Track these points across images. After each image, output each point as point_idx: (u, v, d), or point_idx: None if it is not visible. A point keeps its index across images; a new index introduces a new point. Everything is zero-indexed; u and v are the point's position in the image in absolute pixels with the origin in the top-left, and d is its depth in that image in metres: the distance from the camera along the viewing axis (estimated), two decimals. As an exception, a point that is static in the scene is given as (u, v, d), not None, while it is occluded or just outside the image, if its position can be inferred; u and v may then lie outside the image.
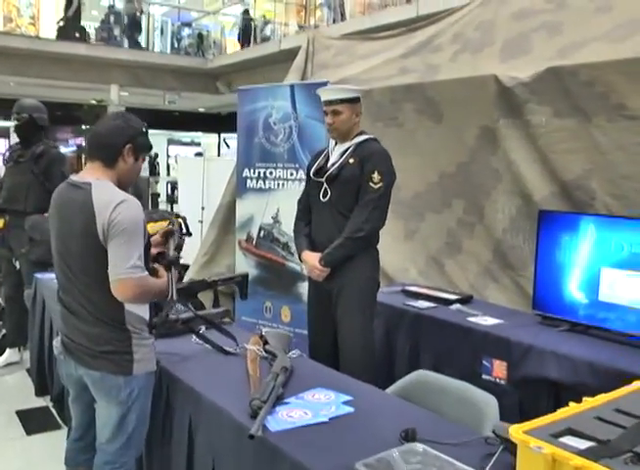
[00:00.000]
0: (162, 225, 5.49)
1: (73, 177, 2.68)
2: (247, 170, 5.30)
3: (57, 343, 2.79)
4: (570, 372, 3.10)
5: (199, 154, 18.33)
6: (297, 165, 4.98)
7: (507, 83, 4.45)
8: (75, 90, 19.70)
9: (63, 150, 5.76)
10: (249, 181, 5.29)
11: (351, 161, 3.63)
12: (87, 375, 2.61)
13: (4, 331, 5.77)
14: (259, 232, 5.25)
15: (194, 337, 3.11)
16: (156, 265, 2.75)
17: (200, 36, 19.97)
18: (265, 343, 2.95)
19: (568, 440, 1.44)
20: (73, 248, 2.55)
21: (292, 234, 4.89)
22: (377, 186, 3.54)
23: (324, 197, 3.68)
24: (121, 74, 18.14)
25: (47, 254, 5.09)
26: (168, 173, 24.21)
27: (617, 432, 1.48)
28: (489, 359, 3.47)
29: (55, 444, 4.12)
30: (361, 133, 3.73)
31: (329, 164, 3.71)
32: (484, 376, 3.47)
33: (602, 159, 4.00)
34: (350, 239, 3.55)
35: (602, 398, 1.70)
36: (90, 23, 18.54)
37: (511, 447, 1.71)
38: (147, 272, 2.52)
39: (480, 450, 1.96)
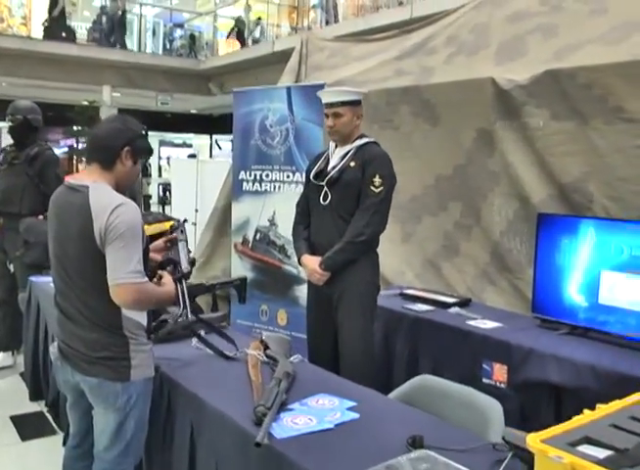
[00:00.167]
0: (158, 228, 5.48)
1: (71, 180, 2.64)
2: (243, 173, 5.28)
3: (53, 348, 2.76)
4: (571, 376, 3.09)
5: (192, 155, 18.24)
6: (293, 168, 4.96)
7: (504, 86, 4.44)
8: (67, 91, 19.62)
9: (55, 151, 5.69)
10: (245, 184, 5.26)
11: (352, 164, 3.60)
12: (84, 381, 2.58)
13: (-3, 334, 5.72)
14: (255, 235, 5.23)
15: (193, 341, 3.09)
16: (160, 272, 2.73)
17: (192, 37, 19.93)
18: (266, 347, 2.93)
19: (585, 448, 1.42)
20: (70, 251, 2.52)
21: (288, 237, 4.89)
22: (378, 190, 3.52)
23: (324, 200, 3.66)
24: (113, 75, 18.09)
25: (42, 257, 5.13)
26: (160, 175, 24.15)
27: (634, 440, 1.46)
28: (489, 363, 3.45)
29: (51, 449, 4.09)
30: (362, 136, 3.71)
31: (329, 168, 3.69)
32: (485, 380, 3.46)
33: (600, 161, 3.99)
34: (351, 243, 3.53)
35: (615, 404, 1.68)
36: (82, 24, 18.48)
37: (522, 455, 1.69)
38: (146, 278, 2.49)
39: (488, 457, 1.94)
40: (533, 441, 1.42)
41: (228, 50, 18.95)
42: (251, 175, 5.22)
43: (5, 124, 5.54)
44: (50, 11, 16.55)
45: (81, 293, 2.53)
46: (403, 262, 5.01)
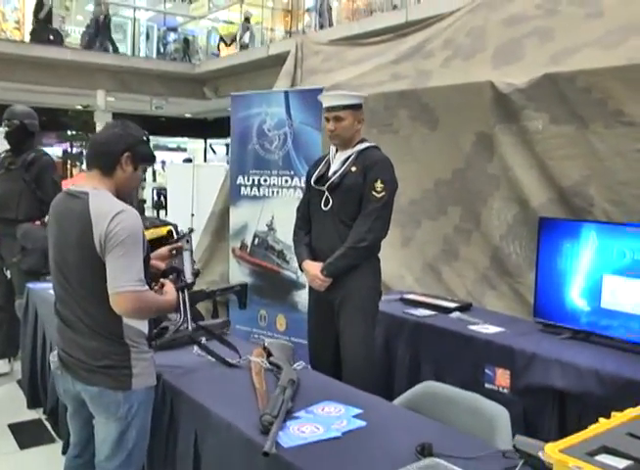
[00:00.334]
0: (155, 233, 5.46)
1: (71, 187, 2.61)
2: (241, 178, 5.26)
3: (53, 357, 2.72)
4: (575, 381, 3.07)
5: (188, 160, 18.21)
6: (291, 173, 4.94)
7: (503, 90, 4.44)
8: (62, 95, 19.58)
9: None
10: (243, 188, 5.24)
11: (353, 169, 3.58)
12: (85, 391, 2.55)
13: (-6, 341, 5.69)
14: (254, 240, 5.20)
15: (195, 348, 3.06)
16: (162, 280, 2.70)
17: (186, 41, 19.90)
18: (269, 354, 2.90)
19: (604, 458, 1.41)
20: (70, 258, 2.50)
21: (287, 242, 4.88)
22: (380, 195, 3.50)
23: (325, 205, 3.64)
24: (107, 80, 18.03)
25: (39, 263, 5.11)
26: (154, 179, 24.11)
27: (651, 449, 1.45)
28: (492, 368, 3.44)
29: (50, 458, 4.06)
30: (363, 141, 3.69)
31: (330, 173, 3.67)
32: (487, 385, 3.44)
33: (600, 165, 3.99)
34: (353, 249, 3.51)
35: (630, 412, 1.67)
36: (75, 28, 18.44)
37: (534, 463, 1.68)
38: (147, 286, 2.46)
39: (498, 465, 1.92)
40: (552, 451, 1.41)
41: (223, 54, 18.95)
42: (249, 180, 5.19)
43: (1, 129, 5.51)
44: (36, 13, 16.47)
45: (81, 300, 2.50)
46: (403, 267, 5.00)
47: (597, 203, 3.98)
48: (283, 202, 4.96)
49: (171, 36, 20.26)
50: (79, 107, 21.56)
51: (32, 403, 4.79)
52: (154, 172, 24.77)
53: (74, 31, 18.35)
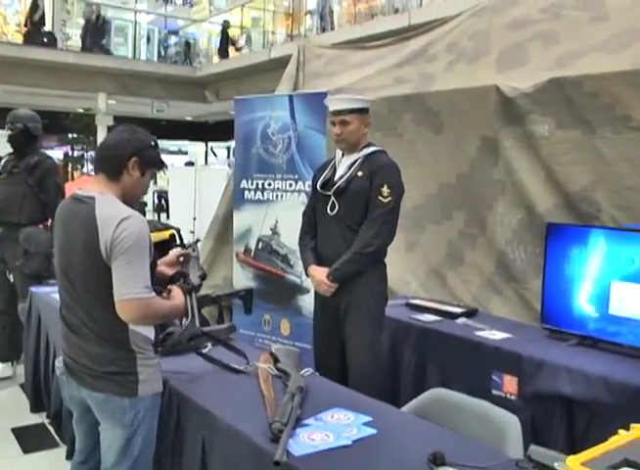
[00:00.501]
0: (158, 237, 5.44)
1: (78, 191, 2.59)
2: (244, 181, 5.23)
3: (59, 363, 2.70)
4: (584, 388, 3.04)
5: (189, 163, 18.18)
6: (296, 177, 4.92)
7: (509, 94, 4.42)
8: (63, 98, 19.60)
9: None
10: (246, 192, 5.22)
11: (360, 173, 3.56)
12: (90, 397, 2.52)
13: (-4, 345, 5.67)
14: (257, 244, 5.18)
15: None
16: (170, 286, 2.68)
17: (187, 44, 19.90)
18: (276, 360, 2.88)
19: (627, 472, 1.39)
20: (75, 263, 2.48)
21: (291, 246, 4.87)
22: (386, 200, 3.48)
23: (331, 210, 3.62)
24: (108, 83, 18.06)
25: (42, 266, 5.10)
26: (155, 182, 24.09)
27: (673, 462, 1.43)
28: (499, 374, 3.41)
29: (53, 462, 4.05)
30: (369, 145, 3.67)
31: (336, 177, 3.65)
32: (494, 391, 3.42)
33: (607, 170, 3.97)
34: (359, 254, 3.48)
35: (649, 424, 1.65)
36: (77, 31, 18.43)
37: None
38: (154, 293, 2.44)
39: (511, 475, 1.90)
40: (573, 463, 1.39)
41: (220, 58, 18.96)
42: (252, 184, 5.17)
43: (2, 132, 5.50)
44: (30, 15, 16.46)
45: (87, 306, 2.48)
46: (407, 272, 4.97)
47: (604, 208, 3.96)
48: (287, 206, 4.94)
49: (172, 39, 20.25)
50: (80, 110, 21.55)
51: (35, 407, 4.77)
52: (154, 175, 24.74)
53: (76, 34, 18.34)
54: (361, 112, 3.61)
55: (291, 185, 4.95)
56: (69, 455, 3.88)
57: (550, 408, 3.20)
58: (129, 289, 2.34)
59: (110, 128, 17.96)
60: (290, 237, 4.87)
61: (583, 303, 3.52)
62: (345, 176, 3.61)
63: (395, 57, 5.88)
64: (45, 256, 5.11)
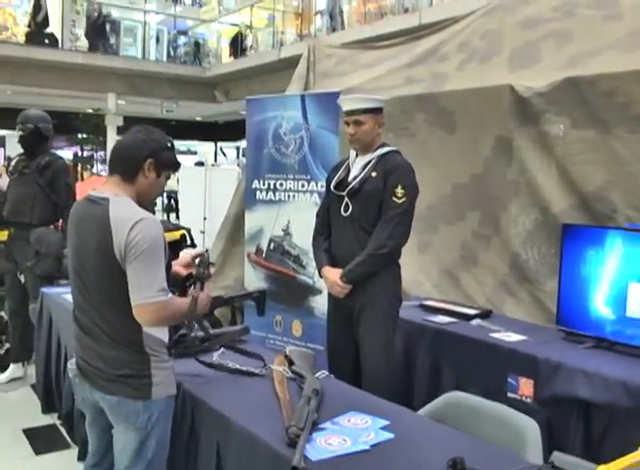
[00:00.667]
0: (169, 237, 5.41)
1: (92, 192, 2.57)
2: (256, 182, 5.20)
3: (71, 365, 2.68)
4: (601, 391, 3.00)
5: (199, 163, 18.17)
6: (308, 177, 4.88)
7: (523, 93, 4.39)
8: (72, 99, 19.61)
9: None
10: (258, 193, 5.18)
11: (374, 174, 3.53)
12: (103, 400, 2.50)
13: (7, 345, 5.66)
14: (269, 244, 5.14)
15: (215, 356, 3.01)
16: (192, 291, 2.65)
17: (196, 45, 19.88)
18: (290, 363, 2.85)
19: (658, 482, 1.36)
20: (89, 265, 2.45)
21: (303, 247, 4.83)
22: (400, 201, 3.45)
23: (345, 211, 3.59)
24: (118, 83, 18.05)
25: (53, 267, 5.10)
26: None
27: None
28: (515, 377, 3.38)
29: (65, 464, 4.04)
30: (383, 145, 3.64)
31: (350, 178, 3.62)
32: (510, 394, 3.38)
33: (622, 170, 3.93)
34: (373, 256, 3.45)
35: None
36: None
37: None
38: (170, 294, 2.42)
39: (533, 481, 1.87)
40: (604, 473, 1.35)
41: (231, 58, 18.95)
42: (264, 184, 5.14)
43: (12, 133, 5.48)
44: (33, 16, 16.47)
45: (100, 308, 2.46)
46: (420, 273, 4.94)
47: (620, 209, 3.92)
48: (299, 206, 4.91)
49: (181, 40, 20.24)
50: (90, 110, 21.57)
51: (47, 408, 4.76)
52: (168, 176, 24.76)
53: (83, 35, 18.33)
54: (375, 111, 3.58)
55: (303, 185, 4.92)
56: (81, 457, 3.88)
57: (567, 412, 3.16)
58: (146, 293, 2.32)
59: (120, 129, 18.00)
60: (302, 238, 4.83)
61: (600, 304, 3.49)
62: (359, 177, 3.58)
63: (406, 56, 5.85)
64: (56, 256, 5.10)
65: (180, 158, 2.79)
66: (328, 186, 3.78)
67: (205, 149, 29.08)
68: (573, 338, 3.59)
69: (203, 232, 9.17)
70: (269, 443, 2.15)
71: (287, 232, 5.04)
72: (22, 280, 5.26)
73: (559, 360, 3.23)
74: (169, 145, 2.60)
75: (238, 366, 2.90)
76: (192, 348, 3.02)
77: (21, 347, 5.47)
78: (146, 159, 2.50)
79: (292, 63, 7.18)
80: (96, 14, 17.66)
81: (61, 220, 5.26)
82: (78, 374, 2.60)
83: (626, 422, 2.88)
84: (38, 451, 4.24)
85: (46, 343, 4.66)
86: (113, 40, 18.28)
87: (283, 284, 5.06)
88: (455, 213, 4.88)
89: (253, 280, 5.20)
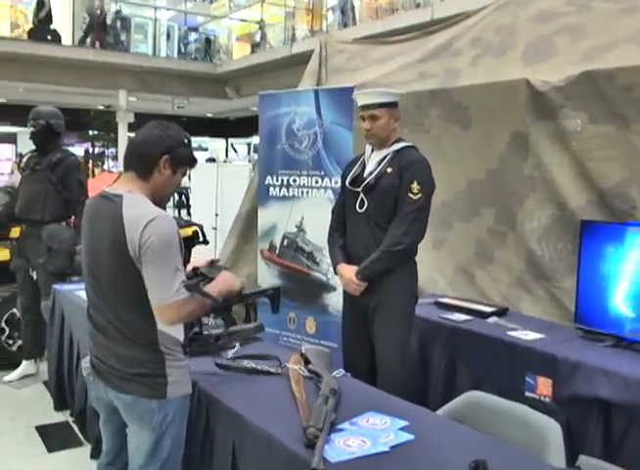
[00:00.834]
0: (181, 234, 5.37)
1: (106, 188, 2.53)
2: (269, 178, 5.16)
3: (86, 363, 2.65)
4: (622, 391, 2.95)
5: (211, 159, 18.17)
6: (322, 173, 4.83)
7: (540, 88, 4.33)
8: (83, 96, 19.65)
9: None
10: (271, 189, 5.14)
11: (389, 170, 3.48)
12: (118, 398, 2.47)
13: (20, 342, 5.65)
14: (283, 241, 5.10)
15: (230, 354, 2.98)
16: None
17: (207, 41, 19.86)
18: (306, 361, 2.81)
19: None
20: (102, 263, 2.42)
21: (317, 243, 4.80)
22: (416, 197, 3.40)
23: (360, 207, 3.54)
24: (129, 80, 18.07)
25: (65, 264, 5.08)
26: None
27: None
28: (533, 376, 3.33)
29: (78, 461, 4.02)
30: (399, 140, 3.59)
31: (365, 174, 3.57)
32: (528, 393, 3.33)
33: (642, 166, 3.87)
34: (388, 253, 3.41)
35: None
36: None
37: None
38: (188, 293, 2.38)
39: (558, 485, 1.82)
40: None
41: (243, 53, 18.92)
42: (277, 180, 5.10)
43: (23, 130, 5.46)
44: (36, 13, 16.47)
45: (114, 306, 2.43)
46: (435, 270, 4.89)
47: (639, 205, 3.86)
48: (313, 202, 4.86)
49: (192, 36, 20.23)
50: (101, 107, 21.60)
51: (60, 405, 4.75)
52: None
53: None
54: (390, 106, 3.53)
55: (317, 181, 4.87)
56: (94, 454, 3.86)
57: (586, 412, 3.11)
58: (164, 294, 2.30)
59: (131, 125, 18.00)
60: (316, 234, 4.79)
61: (619, 302, 3.43)
62: (375, 173, 3.53)
63: (419, 52, 5.80)
64: (68, 253, 5.08)
65: (192, 154, 2.73)
66: (343, 182, 3.73)
67: (215, 145, 29.10)
68: (592, 336, 3.53)
69: (215, 228, 9.13)
70: (286, 443, 2.11)
71: (300, 229, 4.99)
72: (35, 277, 5.24)
73: (578, 359, 3.18)
74: (186, 141, 2.56)
75: (253, 365, 2.86)
76: (207, 346, 3.00)
77: (33, 343, 5.46)
78: (162, 155, 2.46)
79: (303, 59, 7.13)
80: (98, 11, 17.61)
81: (73, 217, 5.23)
82: (92, 372, 2.57)
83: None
84: (51, 449, 4.22)
85: (58, 340, 4.64)
86: (123, 37, 18.27)
87: (296, 281, 5.02)
88: (470, 210, 4.83)
89: (267, 277, 5.17)
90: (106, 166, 22.22)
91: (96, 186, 5.43)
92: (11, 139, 24.43)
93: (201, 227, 7.16)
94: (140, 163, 2.47)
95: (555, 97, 4.25)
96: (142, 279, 2.33)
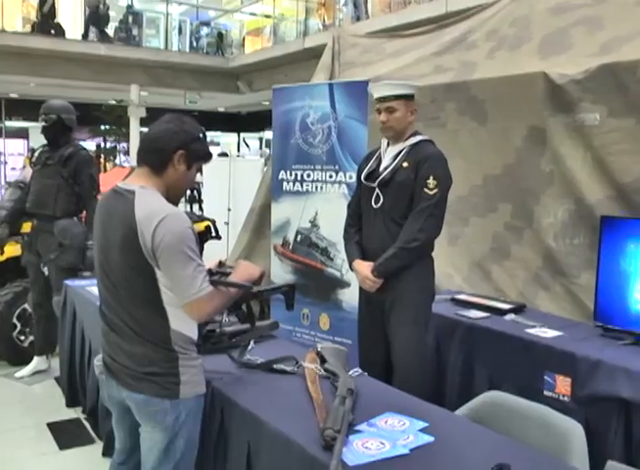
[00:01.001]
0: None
1: (119, 183, 2.48)
2: (283, 173, 5.10)
3: (98, 362, 2.60)
4: (644, 391, 2.89)
5: (223, 154, 18.12)
6: (336, 167, 4.77)
7: (557, 80, 4.27)
8: (95, 90, 19.62)
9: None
10: (285, 184, 5.09)
11: (405, 164, 3.42)
12: (130, 398, 2.42)
13: (31, 338, 5.63)
14: (296, 236, 5.05)
15: (245, 352, 2.92)
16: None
17: (219, 35, 19.79)
18: (322, 360, 2.76)
19: None
20: (113, 260, 2.37)
21: (331, 239, 4.75)
22: (432, 192, 3.34)
23: (376, 203, 3.48)
24: (141, 74, 18.01)
25: (77, 259, 5.04)
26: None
27: None
28: (552, 375, 3.26)
29: (90, 459, 3.99)
30: (415, 134, 3.53)
31: (381, 168, 3.51)
32: (546, 392, 3.27)
33: (663, 160, 3.80)
34: (404, 249, 3.34)
35: None
36: (109, 24, 18.39)
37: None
38: (211, 286, 2.34)
39: (585, 491, 1.76)
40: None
41: (255, 47, 18.85)
42: (291, 175, 5.04)
43: (35, 125, 5.42)
44: (40, 7, 16.43)
45: (127, 304, 2.38)
46: (450, 266, 4.83)
47: (660, 200, 3.80)
48: (327, 197, 4.80)
49: (204, 30, 20.16)
50: (113, 101, 21.58)
51: (71, 402, 4.73)
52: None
53: (109, 27, 18.30)
54: (407, 98, 3.47)
55: (331, 176, 4.81)
56: (106, 452, 3.83)
57: (606, 412, 3.04)
58: (189, 291, 2.27)
59: (143, 120, 17.97)
60: (330, 229, 4.74)
61: (640, 299, 3.36)
62: (390, 167, 3.47)
63: (434, 45, 5.75)
64: (80, 249, 5.05)
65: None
66: (359, 177, 3.67)
67: (227, 140, 29.04)
68: (612, 334, 3.46)
69: (227, 223, 9.09)
70: (303, 445, 2.05)
71: (314, 224, 4.94)
72: (46, 272, 5.21)
73: (598, 358, 3.11)
74: (201, 136, 2.50)
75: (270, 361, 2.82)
76: (220, 344, 2.95)
77: (44, 339, 5.44)
78: (176, 150, 2.41)
79: (316, 53, 7.08)
80: (102, 5, 17.53)
81: (84, 212, 5.19)
82: (105, 371, 2.53)
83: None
84: (62, 446, 4.19)
85: (70, 335, 4.61)
86: (135, 31, 18.22)
87: (310, 277, 4.97)
88: (486, 205, 4.77)
89: (280, 273, 5.11)
90: (117, 161, 22.23)
91: (108, 181, 5.40)
92: (23, 134, 24.44)
93: (213, 222, 7.12)
94: (154, 158, 2.42)
95: (573, 90, 4.19)
96: (154, 276, 2.29)
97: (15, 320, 5.63)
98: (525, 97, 4.48)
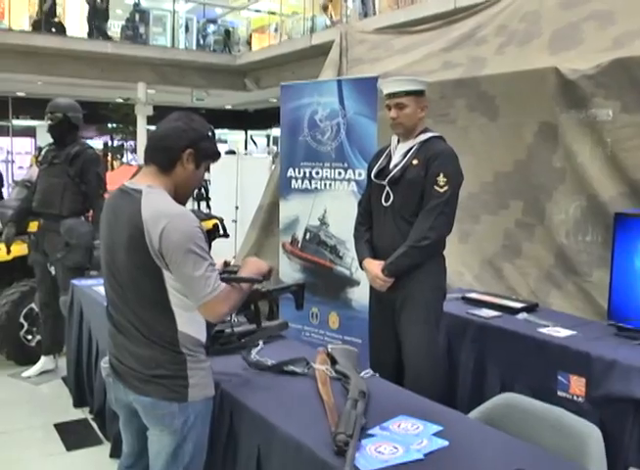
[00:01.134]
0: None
1: (127, 182, 2.43)
2: (291, 170, 5.05)
3: (105, 363, 2.56)
4: (661, 392, 2.83)
5: (231, 151, 18.09)
6: (345, 165, 4.71)
7: (569, 76, 4.23)
8: (102, 89, 19.62)
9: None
10: (293, 181, 5.03)
11: (415, 161, 3.37)
12: (137, 401, 2.38)
13: (38, 337, 5.60)
14: (305, 234, 4.99)
15: (253, 354, 2.88)
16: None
17: (227, 33, 19.75)
18: (333, 361, 2.71)
19: None
20: (119, 259, 2.32)
21: (340, 237, 4.70)
22: (443, 190, 3.28)
23: (386, 201, 3.43)
24: (148, 72, 18.00)
25: (84, 259, 5.01)
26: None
27: None
28: (566, 375, 3.20)
29: (97, 460, 3.96)
30: (425, 130, 3.47)
31: (391, 166, 3.46)
32: (560, 393, 3.21)
33: (677, 157, 3.75)
34: (415, 248, 3.29)
35: None
36: (115, 22, 18.37)
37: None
38: (223, 284, 2.29)
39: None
40: None
41: (262, 45, 18.81)
42: (300, 173, 4.99)
43: (42, 123, 5.38)
44: (41, 5, 16.40)
45: (133, 305, 2.33)
46: (461, 263, 4.77)
47: (675, 197, 3.74)
48: (336, 195, 4.75)
49: (211, 28, 20.12)
50: (120, 100, 21.58)
51: (79, 403, 4.70)
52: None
53: (114, 25, 18.28)
54: (417, 94, 3.42)
55: (340, 173, 4.75)
56: (114, 453, 3.79)
57: (621, 413, 2.99)
58: (203, 292, 2.22)
59: (150, 118, 17.96)
60: (339, 227, 4.69)
61: (655, 299, 3.31)
62: (400, 165, 3.41)
63: (442, 41, 5.71)
64: (86, 248, 5.01)
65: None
66: (369, 175, 3.61)
67: (235, 137, 29.00)
68: (626, 333, 3.40)
69: (235, 221, 9.06)
70: (315, 450, 2.00)
71: (323, 222, 4.88)
72: (53, 272, 5.17)
73: (613, 357, 3.05)
74: (210, 134, 2.45)
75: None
76: (229, 344, 2.91)
77: (51, 339, 5.41)
78: (185, 149, 2.36)
79: (323, 50, 7.03)
80: (100, 0, 17.46)
81: (91, 211, 5.16)
82: (112, 373, 2.48)
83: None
84: (69, 447, 4.16)
85: (77, 335, 4.58)
86: (142, 29, 18.19)
87: (319, 275, 4.91)
88: (497, 202, 4.72)
89: (289, 271, 5.07)
90: (125, 159, 22.23)
91: (115, 179, 5.36)
92: (30, 132, 24.47)
93: (221, 220, 7.09)
94: (162, 156, 2.37)
95: (585, 85, 4.14)
96: (162, 277, 2.25)
97: (22, 320, 5.60)
98: (537, 93, 4.43)
